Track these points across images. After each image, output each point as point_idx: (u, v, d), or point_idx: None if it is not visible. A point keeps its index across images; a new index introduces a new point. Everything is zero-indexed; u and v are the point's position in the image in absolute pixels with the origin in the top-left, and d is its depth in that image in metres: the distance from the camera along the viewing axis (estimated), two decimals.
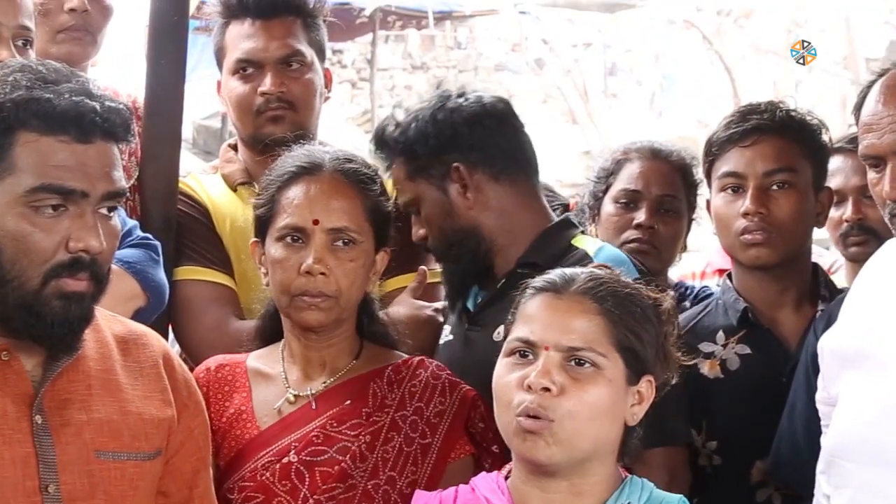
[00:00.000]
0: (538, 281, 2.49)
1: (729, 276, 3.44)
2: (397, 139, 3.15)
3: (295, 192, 2.80)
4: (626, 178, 3.75)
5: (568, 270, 2.50)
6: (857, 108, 2.87)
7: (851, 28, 17.99)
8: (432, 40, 24.00)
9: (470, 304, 3.17)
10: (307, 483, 2.73)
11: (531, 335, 2.40)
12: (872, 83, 2.86)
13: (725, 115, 3.43)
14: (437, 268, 3.58)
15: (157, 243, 3.19)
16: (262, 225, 2.84)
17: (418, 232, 3.19)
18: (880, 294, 2.38)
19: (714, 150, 3.34)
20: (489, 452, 2.80)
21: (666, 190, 3.75)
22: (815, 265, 3.41)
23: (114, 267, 2.87)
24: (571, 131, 20.49)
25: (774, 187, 3.25)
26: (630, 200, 3.73)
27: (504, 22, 23.15)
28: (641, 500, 2.40)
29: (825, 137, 3.36)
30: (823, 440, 2.58)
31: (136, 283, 3.06)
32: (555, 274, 2.49)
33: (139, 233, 3.18)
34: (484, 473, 2.53)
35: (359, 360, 2.86)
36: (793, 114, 3.34)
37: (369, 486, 2.74)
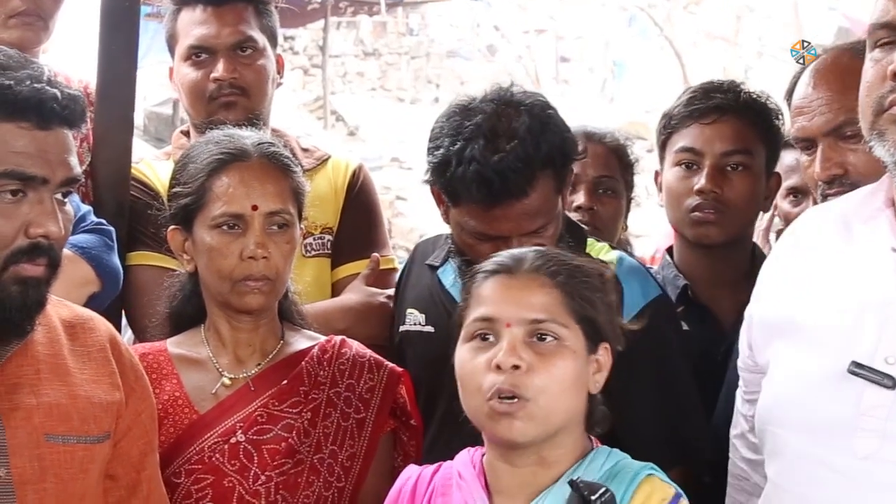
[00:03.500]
0: (488, 264, 2.50)
1: (669, 251, 3.48)
2: (549, 151, 2.88)
3: (228, 180, 2.81)
4: None
5: (515, 251, 2.52)
6: (789, 95, 2.94)
7: (800, 15, 18.13)
8: (384, 27, 23.99)
9: (454, 293, 3.05)
10: (256, 461, 2.77)
11: (492, 312, 2.41)
12: (803, 69, 2.92)
13: (686, 90, 3.46)
14: (390, 255, 3.61)
15: (112, 229, 3.19)
16: (188, 213, 2.84)
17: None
18: (802, 263, 2.42)
19: (673, 122, 3.38)
20: (407, 426, 2.88)
21: (602, 171, 3.81)
22: (754, 244, 3.47)
23: (68, 252, 2.90)
24: None
25: (730, 168, 3.30)
26: None
27: (456, 8, 23.17)
28: (604, 468, 2.42)
29: (781, 122, 3.39)
30: (744, 405, 2.63)
31: (91, 269, 3.07)
32: (503, 256, 2.51)
33: (93, 218, 3.18)
34: (466, 449, 2.56)
35: (284, 340, 2.91)
36: (754, 96, 3.38)
37: (315, 460, 2.79)
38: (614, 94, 23.69)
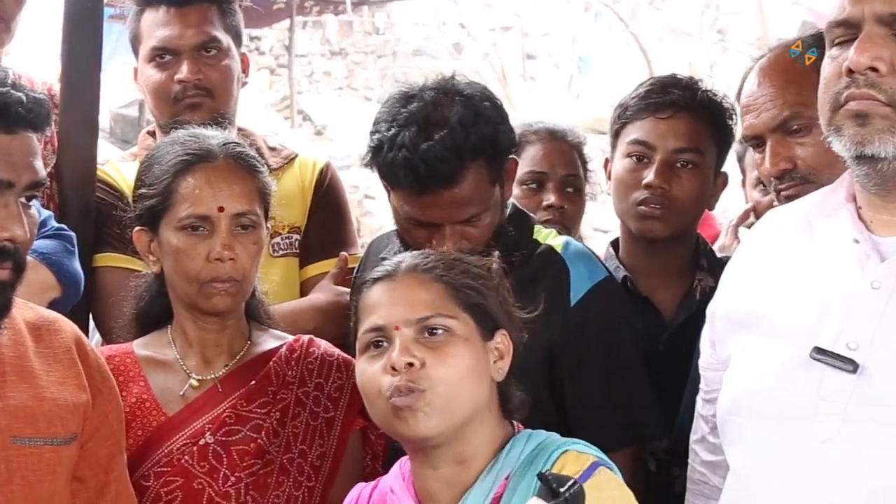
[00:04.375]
0: (371, 274, 2.52)
1: (614, 244, 3.50)
2: (480, 142, 2.90)
3: (194, 181, 2.79)
4: (530, 161, 3.80)
5: (394, 258, 2.54)
6: (738, 95, 2.97)
7: (764, 9, 18.21)
8: (350, 26, 23.95)
9: None
10: (226, 462, 2.77)
11: (379, 320, 2.42)
12: (750, 69, 2.95)
13: (643, 82, 3.45)
14: (358, 253, 3.61)
15: (72, 234, 3.18)
16: (154, 214, 2.83)
17: (458, 244, 2.89)
18: (766, 260, 2.44)
19: (628, 113, 3.37)
20: (375, 425, 2.84)
21: (569, 169, 3.84)
22: (698, 236, 3.48)
23: (29, 258, 2.88)
24: None
25: (679, 165, 3.30)
26: (536, 182, 3.79)
27: (422, 7, 23.17)
28: (525, 453, 2.41)
29: (734, 123, 3.39)
30: (704, 406, 2.65)
31: (51, 274, 3.05)
32: (382, 265, 2.53)
33: (54, 223, 3.16)
34: (399, 461, 2.56)
35: (252, 341, 2.90)
36: (711, 95, 3.38)
37: (284, 460, 2.79)
38: (580, 90, 23.73)
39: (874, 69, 2.19)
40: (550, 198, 3.77)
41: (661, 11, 21.59)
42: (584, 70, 24.22)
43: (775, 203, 2.85)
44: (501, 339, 2.48)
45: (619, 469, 2.58)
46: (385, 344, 2.41)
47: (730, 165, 3.51)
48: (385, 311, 2.43)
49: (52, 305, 3.00)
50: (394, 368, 2.36)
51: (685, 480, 3.14)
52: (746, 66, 3.03)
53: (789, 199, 2.71)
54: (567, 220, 3.76)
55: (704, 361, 2.63)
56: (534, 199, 3.75)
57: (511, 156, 3.04)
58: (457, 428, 2.39)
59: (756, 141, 2.91)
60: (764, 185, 3.80)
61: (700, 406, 2.71)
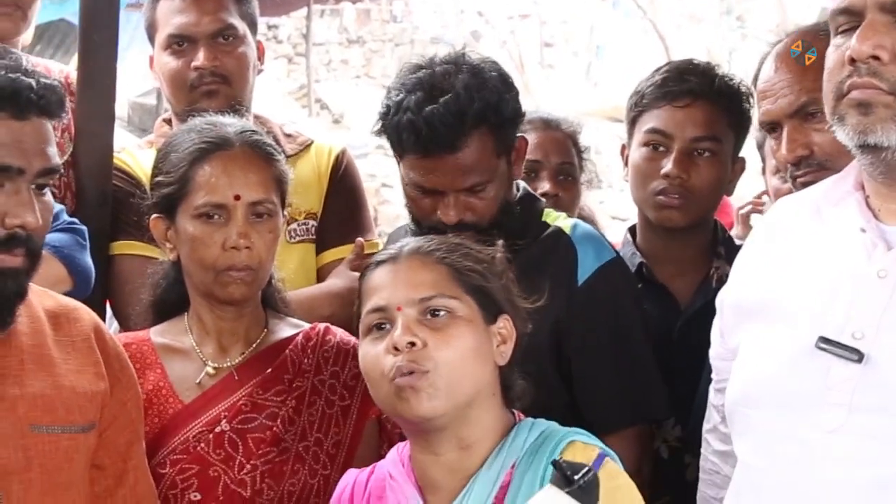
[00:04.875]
0: (375, 258, 2.54)
1: (631, 230, 3.49)
2: (483, 109, 2.95)
3: (210, 169, 2.79)
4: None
5: (398, 243, 2.55)
6: (755, 81, 2.96)
7: None
8: (368, 14, 23.92)
9: None
10: (241, 450, 2.77)
11: (381, 300, 2.43)
12: (767, 54, 2.94)
13: (660, 68, 3.43)
14: (375, 239, 3.61)
15: (84, 228, 3.19)
16: (171, 202, 2.83)
17: (461, 214, 2.98)
18: (775, 249, 2.43)
19: (644, 101, 3.37)
20: None
21: (563, 157, 3.84)
22: (716, 223, 3.47)
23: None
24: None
25: (697, 153, 3.30)
26: (531, 170, 3.78)
27: None
28: (528, 442, 2.42)
29: (751, 108, 3.37)
30: (715, 396, 2.65)
31: (63, 268, 3.07)
32: (386, 249, 2.55)
33: (66, 217, 3.18)
34: (395, 447, 2.57)
35: (268, 329, 2.91)
36: (729, 81, 3.36)
37: (300, 448, 2.79)
38: (598, 77, 23.68)
39: (876, 58, 2.17)
40: (545, 186, 3.79)
41: None
42: (601, 57, 24.17)
43: (792, 190, 2.84)
44: (504, 324, 2.48)
45: (626, 448, 2.59)
46: (387, 326, 2.42)
47: (749, 152, 3.50)
48: (387, 292, 2.44)
49: None
50: (396, 349, 2.37)
51: (698, 469, 3.15)
52: (763, 52, 3.02)
53: (805, 185, 2.69)
54: (562, 208, 3.75)
55: (714, 351, 2.63)
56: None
57: (520, 134, 3.07)
58: (459, 409, 2.39)
59: (772, 126, 2.90)
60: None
61: (712, 395, 2.70)
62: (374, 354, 2.42)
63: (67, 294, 3.01)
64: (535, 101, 19.07)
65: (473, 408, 2.41)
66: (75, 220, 3.19)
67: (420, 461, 2.45)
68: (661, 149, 3.31)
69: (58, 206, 3.14)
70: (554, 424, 2.48)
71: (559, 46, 25.27)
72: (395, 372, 2.37)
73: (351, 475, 2.58)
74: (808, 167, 2.82)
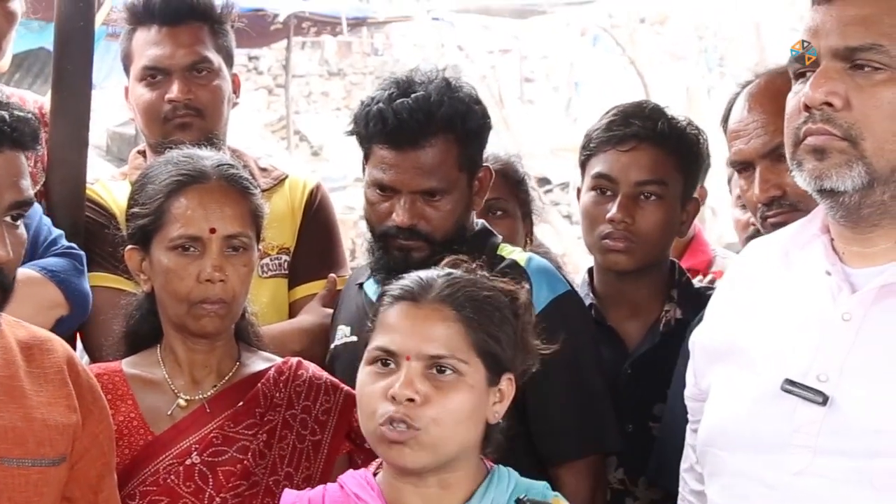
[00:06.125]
0: (395, 289, 2.50)
1: (590, 270, 3.49)
2: (451, 115, 3.03)
3: (186, 202, 2.80)
4: None
5: (424, 275, 2.52)
6: (725, 120, 2.97)
7: (761, 35, 18.22)
8: (349, 46, 23.98)
9: (372, 295, 3.12)
10: (211, 483, 2.76)
11: (392, 345, 2.42)
12: (737, 94, 2.96)
13: (608, 111, 3.43)
14: (348, 275, 3.60)
15: (82, 253, 3.19)
16: (146, 233, 2.83)
17: (415, 219, 3.03)
18: (745, 292, 2.45)
19: (592, 145, 3.36)
20: (362, 449, 2.84)
21: (491, 194, 3.80)
22: (673, 265, 3.47)
23: (37, 275, 2.91)
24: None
25: (643, 197, 3.29)
26: None
27: (420, 28, 23.19)
28: (509, 489, 2.44)
29: (702, 149, 3.40)
30: (691, 436, 2.64)
31: (60, 292, 3.07)
32: (411, 280, 2.50)
33: (64, 242, 3.17)
34: (351, 471, 2.56)
35: (240, 362, 2.90)
36: (675, 123, 3.36)
37: (270, 482, 2.79)
38: (578, 113, 23.74)
39: (829, 104, 2.20)
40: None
41: (660, 36, 21.60)
42: (581, 93, 24.23)
43: (761, 231, 2.85)
44: (507, 384, 2.48)
45: (580, 479, 2.59)
46: (392, 365, 2.41)
47: (721, 185, 3.49)
48: (400, 338, 2.43)
49: (59, 324, 3.03)
50: (394, 398, 2.37)
51: None
52: (733, 92, 3.02)
53: (776, 226, 2.71)
54: None
55: (688, 391, 2.63)
56: None
57: (486, 164, 3.13)
58: (441, 463, 2.41)
59: (743, 166, 2.91)
60: (745, 204, 3.82)
61: (688, 435, 2.70)
62: (370, 391, 2.42)
63: (64, 319, 3.03)
64: (514, 135, 19.14)
65: (456, 459, 2.43)
66: (73, 245, 3.18)
67: (396, 488, 2.45)
68: (608, 193, 3.31)
69: (56, 232, 3.15)
70: (517, 474, 2.50)
71: (539, 82, 25.33)
72: (385, 420, 2.37)
73: (297, 495, 2.54)
74: (780, 208, 2.83)
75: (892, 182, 2.21)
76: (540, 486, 2.47)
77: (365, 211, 3.14)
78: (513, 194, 3.89)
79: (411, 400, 2.36)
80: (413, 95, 3.00)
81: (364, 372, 2.45)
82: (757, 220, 2.91)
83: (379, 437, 2.39)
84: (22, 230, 2.37)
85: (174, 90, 3.46)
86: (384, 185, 3.04)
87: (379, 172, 3.03)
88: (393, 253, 3.04)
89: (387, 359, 2.42)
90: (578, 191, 3.45)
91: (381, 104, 3.01)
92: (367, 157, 3.09)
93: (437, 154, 3.01)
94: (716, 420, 2.39)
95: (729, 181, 4.08)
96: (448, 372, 2.40)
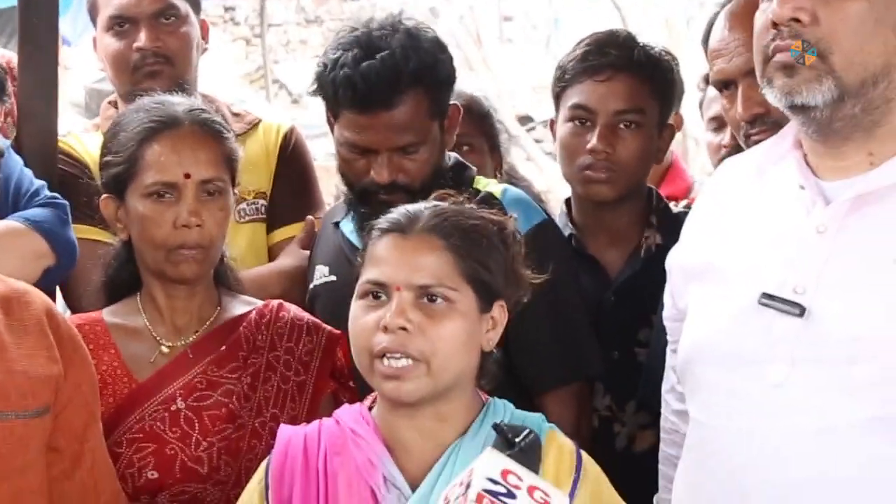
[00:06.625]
0: (383, 222, 2.50)
1: (567, 201, 3.49)
2: (419, 68, 3.00)
3: (159, 148, 2.79)
4: None
5: (411, 208, 2.51)
6: (705, 41, 2.97)
7: None
8: None
9: (353, 239, 3.13)
10: (197, 428, 2.78)
11: (381, 276, 2.41)
12: (717, 14, 2.96)
13: (581, 41, 3.42)
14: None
15: (66, 203, 3.18)
16: (121, 182, 2.83)
17: (394, 175, 3.01)
18: (720, 210, 2.46)
19: (567, 77, 3.36)
20: (347, 388, 2.88)
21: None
22: (651, 191, 3.48)
23: (21, 226, 2.91)
24: (467, 78, 20.46)
25: (622, 126, 3.29)
26: None
27: None
28: (505, 419, 2.43)
29: (676, 76, 3.40)
30: (671, 357, 2.66)
31: (45, 242, 3.06)
32: (398, 213, 2.50)
33: (47, 192, 3.16)
34: (346, 406, 2.55)
35: (221, 307, 2.91)
36: (650, 52, 3.36)
37: (256, 424, 2.80)
38: (558, 51, 23.65)
39: (797, 20, 2.20)
40: None
41: None
42: (560, 30, 24.13)
43: (722, 143, 2.86)
44: (499, 310, 2.48)
45: (565, 407, 2.61)
46: (383, 297, 2.41)
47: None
48: (389, 269, 2.42)
49: (47, 274, 3.03)
50: (386, 329, 2.37)
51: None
52: (712, 12, 3.02)
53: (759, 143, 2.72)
54: None
55: (667, 312, 2.65)
56: None
57: (453, 102, 3.11)
58: (438, 393, 2.40)
59: (725, 84, 2.91)
60: (717, 127, 3.84)
61: (669, 357, 2.72)
62: (363, 323, 2.41)
63: (51, 270, 3.03)
64: (494, 74, 19.07)
65: (452, 389, 2.43)
66: (57, 195, 3.18)
67: (390, 422, 2.45)
68: (587, 123, 3.30)
69: (38, 183, 3.14)
70: (512, 405, 2.50)
71: (518, 20, 25.22)
72: (380, 351, 2.37)
73: (293, 430, 2.53)
74: (763, 125, 2.83)
75: (862, 95, 2.23)
76: (536, 418, 2.47)
77: (339, 167, 3.12)
78: (479, 129, 3.89)
79: (404, 329, 2.36)
80: (379, 56, 2.95)
81: (355, 306, 2.45)
82: (740, 138, 2.91)
83: (375, 372, 2.39)
84: None
85: (142, 38, 3.46)
86: (359, 146, 3.02)
87: (352, 134, 3.01)
88: (375, 207, 3.03)
89: (377, 291, 2.41)
90: (552, 122, 3.45)
91: (346, 69, 2.96)
92: (335, 117, 3.06)
93: (409, 110, 2.99)
94: (694, 337, 2.40)
95: (700, 105, 4.08)
96: (439, 301, 2.39)
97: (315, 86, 3.07)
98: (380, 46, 2.97)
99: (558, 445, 2.41)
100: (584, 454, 2.43)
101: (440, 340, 2.37)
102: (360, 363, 2.43)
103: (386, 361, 2.37)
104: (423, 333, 2.37)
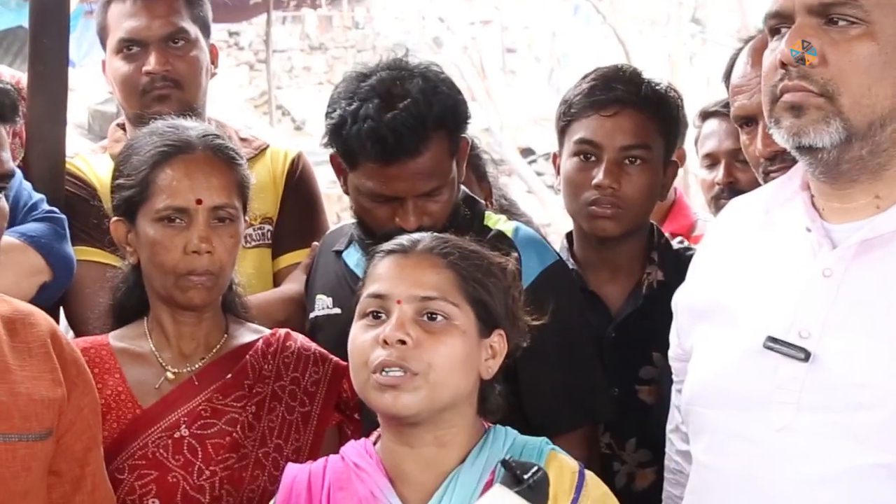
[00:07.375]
0: (386, 245, 2.51)
1: (568, 235, 3.49)
2: (442, 112, 2.95)
3: (172, 172, 2.78)
4: None
5: (413, 235, 2.52)
6: (727, 76, 2.98)
7: (743, 0, 18.22)
8: (330, 20, 23.92)
9: (358, 272, 3.05)
10: (200, 456, 2.76)
11: (382, 289, 2.42)
12: (740, 50, 2.96)
13: (587, 76, 3.41)
14: None
15: (63, 217, 3.17)
16: (132, 205, 2.82)
17: (420, 220, 2.95)
18: (727, 251, 2.46)
19: (572, 111, 3.34)
20: (352, 420, 2.87)
21: None
22: (653, 227, 3.46)
23: (17, 241, 2.89)
24: (471, 109, 20.48)
25: (628, 161, 3.28)
26: None
27: (401, 1, 23.14)
28: (506, 446, 2.43)
29: (681, 112, 3.39)
30: (676, 396, 2.66)
31: (41, 258, 3.05)
32: (400, 238, 2.51)
33: (45, 206, 3.16)
34: (352, 441, 2.55)
35: (228, 334, 2.89)
36: (656, 87, 3.35)
37: (260, 454, 2.79)
38: (561, 83, 23.71)
39: (805, 60, 2.20)
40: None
41: (640, 4, 21.56)
42: (563, 63, 24.20)
43: (761, 182, 2.85)
44: (498, 339, 2.48)
45: (575, 450, 2.60)
46: (383, 316, 2.40)
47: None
48: (390, 283, 2.42)
49: (43, 290, 3.02)
50: (385, 342, 2.36)
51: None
52: (734, 50, 3.03)
53: None
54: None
55: (673, 352, 2.64)
56: None
57: (463, 135, 3.07)
58: (434, 412, 2.39)
59: (746, 121, 2.90)
60: (711, 164, 3.87)
61: (674, 396, 2.72)
62: (362, 341, 2.41)
63: (48, 285, 3.01)
64: (497, 106, 19.12)
65: (449, 412, 2.42)
66: (55, 209, 3.17)
67: (393, 452, 2.44)
68: (592, 159, 3.29)
69: (37, 196, 3.13)
70: (517, 433, 2.49)
71: (521, 52, 25.30)
72: (377, 366, 2.36)
73: (299, 468, 2.53)
74: (783, 162, 2.80)
75: (869, 137, 2.23)
76: (538, 442, 2.46)
77: (356, 213, 3.06)
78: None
79: (403, 343, 2.35)
80: (402, 105, 2.88)
81: (355, 327, 2.44)
82: (759, 174, 2.90)
83: (372, 385, 2.38)
84: (3, 202, 2.36)
85: (151, 62, 3.45)
86: (385, 197, 2.96)
87: (376, 184, 2.94)
88: (382, 239, 3.00)
89: (377, 310, 2.41)
90: (555, 156, 3.44)
91: (371, 121, 2.88)
92: (352, 168, 2.99)
93: (435, 155, 2.94)
94: (699, 378, 2.40)
95: (696, 141, 4.09)
96: (439, 318, 2.39)
97: (330, 139, 3.00)
98: (399, 94, 2.91)
99: (559, 465, 2.40)
100: (589, 474, 2.41)
101: (438, 355, 2.37)
102: (357, 380, 2.43)
103: (383, 373, 2.36)
104: (422, 347, 2.36)
